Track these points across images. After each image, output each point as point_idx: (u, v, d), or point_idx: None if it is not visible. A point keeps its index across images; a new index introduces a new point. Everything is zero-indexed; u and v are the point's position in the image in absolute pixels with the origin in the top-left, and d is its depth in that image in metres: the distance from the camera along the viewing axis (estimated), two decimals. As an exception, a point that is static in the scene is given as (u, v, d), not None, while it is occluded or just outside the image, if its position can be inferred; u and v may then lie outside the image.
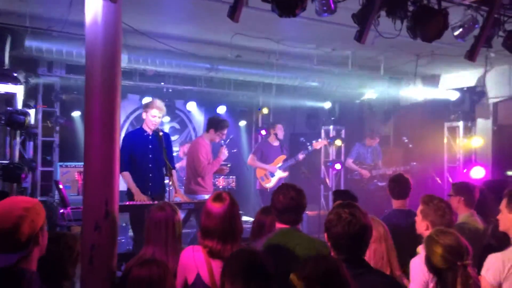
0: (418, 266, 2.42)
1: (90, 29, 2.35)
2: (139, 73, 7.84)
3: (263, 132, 7.35)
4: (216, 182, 7.56)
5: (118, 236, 2.41)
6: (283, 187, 2.82)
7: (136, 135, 5.11)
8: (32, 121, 6.22)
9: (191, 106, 8.71)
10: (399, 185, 3.76)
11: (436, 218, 2.83)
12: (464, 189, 3.53)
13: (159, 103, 5.11)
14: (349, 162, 7.92)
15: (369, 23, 3.21)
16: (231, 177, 7.78)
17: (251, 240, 3.06)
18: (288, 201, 2.71)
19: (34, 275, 1.82)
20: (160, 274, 2.05)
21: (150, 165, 4.94)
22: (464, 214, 3.39)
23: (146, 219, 2.69)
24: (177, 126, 9.20)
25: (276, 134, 6.74)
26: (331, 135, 8.87)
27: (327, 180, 8.73)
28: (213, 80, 8.49)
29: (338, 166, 8.46)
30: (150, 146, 4.98)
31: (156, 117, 4.98)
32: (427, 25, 3.27)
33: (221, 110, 8.95)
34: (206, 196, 5.65)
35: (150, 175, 4.93)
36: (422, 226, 2.82)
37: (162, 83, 8.28)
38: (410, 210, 3.65)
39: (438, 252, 2.09)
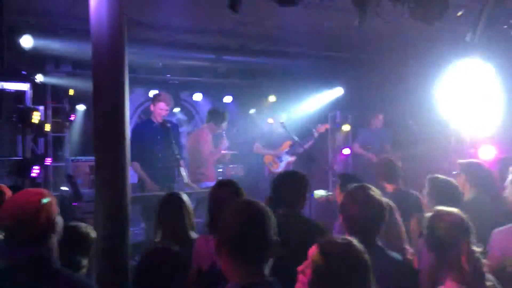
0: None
1: (95, 23, 2.40)
2: (144, 65, 7.90)
3: (270, 120, 7.37)
4: (225, 171, 7.63)
5: (130, 227, 2.47)
6: (279, 175, 2.93)
7: (145, 126, 5.22)
8: (43, 118, 6.36)
9: (197, 97, 8.75)
10: (390, 169, 3.87)
11: (442, 198, 2.86)
12: (469, 167, 3.54)
13: (166, 96, 5.20)
14: (356, 147, 7.87)
15: (365, 8, 3.21)
16: (239, 166, 7.85)
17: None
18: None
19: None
20: (172, 261, 2.11)
21: (159, 155, 5.03)
22: (470, 193, 3.39)
23: (157, 208, 2.76)
24: (184, 117, 9.26)
25: (282, 123, 6.78)
26: (337, 120, 8.87)
27: (335, 167, 8.77)
28: (218, 70, 8.53)
29: (346, 151, 8.48)
30: (158, 137, 5.07)
31: (163, 110, 5.08)
32: (428, 7, 3.27)
33: (228, 100, 8.99)
34: (210, 184, 5.73)
35: (160, 165, 5.02)
36: (429, 207, 2.85)
37: (168, 75, 8.34)
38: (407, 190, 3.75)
39: (442, 229, 2.11)
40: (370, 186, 2.26)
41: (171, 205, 2.70)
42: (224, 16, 5.76)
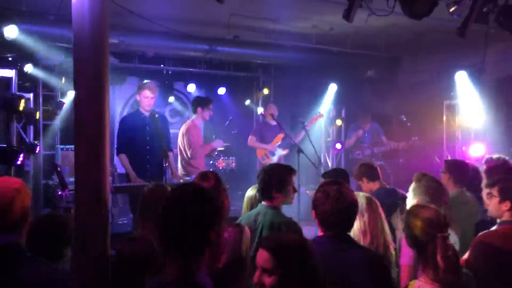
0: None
1: (76, 11, 2.37)
2: (138, 55, 7.85)
3: (260, 109, 7.36)
4: (216, 163, 7.62)
5: (109, 218, 2.46)
6: (268, 167, 2.94)
7: (133, 117, 5.19)
8: (32, 105, 6.32)
9: (191, 88, 8.70)
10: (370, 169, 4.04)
11: (427, 196, 2.87)
12: (453, 166, 3.58)
13: (150, 83, 5.19)
14: (349, 142, 7.94)
15: (356, 1, 3.19)
16: (231, 158, 7.83)
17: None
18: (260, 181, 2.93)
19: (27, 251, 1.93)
20: (146, 251, 2.10)
21: (147, 147, 5.01)
22: (453, 191, 3.42)
23: (139, 199, 2.75)
24: (178, 107, 9.22)
25: (272, 114, 6.77)
26: (331, 115, 8.86)
27: (328, 161, 8.78)
28: (213, 62, 8.48)
29: (338, 145, 8.48)
30: (147, 128, 5.05)
31: (148, 98, 5.05)
32: (416, 2, 3.25)
33: (221, 91, 8.95)
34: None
35: (148, 157, 5.00)
36: (413, 204, 2.85)
37: (162, 65, 8.29)
38: (393, 188, 3.83)
39: (418, 225, 2.13)
40: (342, 182, 2.27)
41: (151, 199, 2.67)
42: (218, 6, 5.84)
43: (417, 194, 2.94)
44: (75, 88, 2.40)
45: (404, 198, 3.15)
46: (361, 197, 2.78)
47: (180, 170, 5.98)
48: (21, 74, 5.25)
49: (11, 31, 4.42)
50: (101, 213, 2.38)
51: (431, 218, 2.14)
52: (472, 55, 7.02)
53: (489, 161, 3.95)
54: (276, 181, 2.95)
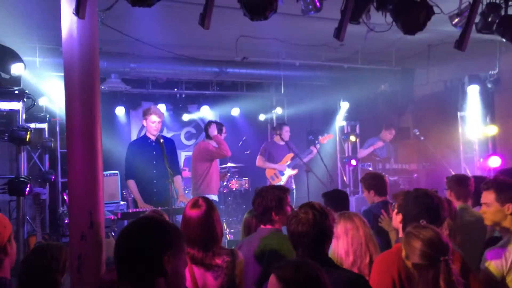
0: None
1: (67, 44, 2.44)
2: (151, 80, 8.03)
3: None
4: (230, 184, 7.61)
5: (104, 245, 2.47)
6: (261, 190, 2.90)
7: (140, 143, 5.26)
8: (46, 135, 6.49)
9: (205, 110, 8.80)
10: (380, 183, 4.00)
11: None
12: (452, 182, 3.49)
13: (155, 108, 5.23)
14: (361, 151, 7.76)
15: (345, 19, 3.17)
16: (244, 178, 7.82)
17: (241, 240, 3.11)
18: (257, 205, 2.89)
19: (9, 281, 1.93)
20: None
21: (154, 172, 5.05)
22: (457, 207, 3.31)
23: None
24: (193, 130, 9.31)
25: (280, 135, 6.75)
26: (345, 131, 8.78)
27: (345, 178, 8.66)
28: (225, 84, 8.58)
29: (354, 162, 8.37)
30: (154, 153, 5.09)
31: (155, 123, 5.10)
32: (408, 18, 3.22)
33: (235, 112, 9.02)
34: (212, 197, 5.74)
35: (155, 181, 5.04)
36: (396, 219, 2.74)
37: (175, 89, 8.44)
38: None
39: (417, 247, 2.04)
40: (315, 204, 2.22)
41: None
42: (227, 30, 5.93)
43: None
44: (66, 120, 2.45)
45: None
46: (345, 216, 2.73)
47: (194, 191, 6.00)
48: (34, 106, 5.41)
49: (18, 69, 4.61)
50: (96, 238, 2.40)
51: (431, 239, 2.04)
52: (486, 65, 6.89)
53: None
54: (274, 202, 2.91)
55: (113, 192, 6.40)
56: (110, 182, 6.36)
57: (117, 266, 1.59)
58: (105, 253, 2.51)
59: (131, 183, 5.01)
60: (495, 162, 6.08)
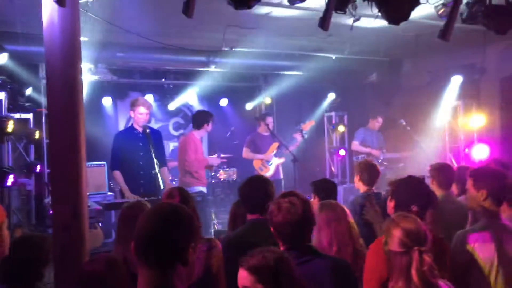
0: None
1: (47, 33, 2.40)
2: (139, 70, 7.96)
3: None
4: (218, 175, 7.61)
5: (87, 235, 2.46)
6: (248, 180, 2.89)
7: (127, 134, 5.23)
8: (32, 125, 6.42)
9: (193, 100, 8.76)
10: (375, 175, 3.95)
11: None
12: (434, 170, 3.55)
13: (143, 99, 5.19)
14: (355, 144, 7.61)
15: (329, 9, 3.17)
16: (232, 169, 7.82)
17: (228, 232, 3.11)
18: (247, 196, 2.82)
19: None
20: (103, 271, 2.07)
21: (141, 163, 5.03)
22: (439, 195, 3.34)
23: (118, 216, 2.73)
24: (181, 121, 9.28)
25: (267, 124, 6.76)
26: (333, 121, 8.81)
27: (333, 168, 8.71)
28: (213, 74, 8.54)
29: (342, 152, 8.42)
30: (140, 144, 5.06)
31: (143, 114, 5.07)
32: (392, 7, 3.22)
33: (223, 102, 8.99)
34: (201, 188, 5.74)
35: (141, 172, 5.01)
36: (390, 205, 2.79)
37: (163, 79, 8.38)
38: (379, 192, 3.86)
39: (396, 235, 2.07)
40: (297, 193, 2.24)
41: (130, 216, 2.60)
42: (214, 19, 5.89)
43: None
44: (48, 108, 2.43)
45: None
46: (328, 206, 2.75)
47: (181, 182, 6.00)
48: (21, 96, 5.34)
49: (1, 58, 4.53)
50: (79, 229, 2.39)
51: (410, 229, 2.08)
52: (472, 56, 6.94)
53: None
54: (267, 192, 2.90)
55: (100, 183, 6.35)
56: (97, 173, 6.32)
57: (142, 250, 1.57)
58: (89, 244, 2.50)
59: (117, 174, 4.99)
60: (481, 151, 6.15)
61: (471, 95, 6.96)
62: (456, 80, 6.96)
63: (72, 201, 2.35)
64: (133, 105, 5.11)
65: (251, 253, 1.81)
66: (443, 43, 6.88)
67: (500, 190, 2.65)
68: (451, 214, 3.15)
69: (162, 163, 5.10)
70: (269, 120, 6.98)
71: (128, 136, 5.16)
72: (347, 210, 2.77)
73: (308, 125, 7.01)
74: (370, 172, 3.99)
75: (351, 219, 2.75)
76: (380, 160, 7.25)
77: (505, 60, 6.82)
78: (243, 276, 1.77)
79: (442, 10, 4.12)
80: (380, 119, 7.60)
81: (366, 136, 7.61)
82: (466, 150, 6.70)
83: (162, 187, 4.57)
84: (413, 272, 1.96)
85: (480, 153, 6.18)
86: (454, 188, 3.77)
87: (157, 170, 4.51)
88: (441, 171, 3.52)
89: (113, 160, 5.07)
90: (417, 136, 7.15)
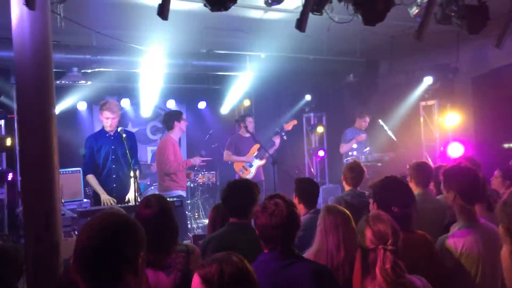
0: None
1: (17, 36, 2.32)
2: (115, 73, 7.82)
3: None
4: (197, 178, 7.54)
5: (61, 245, 2.38)
6: (230, 184, 2.86)
7: (98, 136, 5.10)
8: (3, 132, 6.22)
9: (171, 104, 8.67)
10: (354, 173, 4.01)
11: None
12: (412, 169, 3.58)
13: (110, 104, 5.02)
14: (343, 146, 7.45)
15: (306, 10, 3.17)
16: (211, 172, 7.76)
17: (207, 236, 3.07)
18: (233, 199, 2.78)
19: None
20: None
21: (113, 166, 4.93)
22: (416, 193, 3.37)
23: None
24: (158, 125, 9.17)
25: (246, 127, 6.73)
26: (312, 122, 8.85)
27: (312, 169, 8.73)
28: (191, 76, 8.46)
29: (321, 153, 8.45)
30: (112, 147, 4.96)
31: (110, 118, 4.94)
32: (368, 9, 3.24)
33: (202, 105, 8.92)
34: (180, 192, 5.67)
35: (114, 176, 4.93)
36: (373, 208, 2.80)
37: (140, 83, 8.25)
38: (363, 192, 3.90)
39: (367, 234, 2.12)
40: (282, 195, 2.22)
41: None
42: (192, 21, 5.83)
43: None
44: (18, 114, 2.34)
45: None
46: (334, 210, 2.74)
47: (160, 186, 5.92)
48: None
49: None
50: (52, 240, 2.31)
51: (379, 230, 2.12)
52: (446, 56, 7.06)
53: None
54: (253, 196, 2.87)
55: (76, 189, 6.21)
56: (72, 179, 6.16)
57: (86, 264, 1.45)
58: (64, 253, 2.42)
59: (90, 178, 4.90)
60: (456, 149, 6.25)
61: (445, 95, 7.08)
62: (428, 80, 7.07)
63: (44, 211, 2.26)
64: (100, 109, 5.00)
65: (210, 260, 1.72)
66: (418, 44, 7.00)
67: (469, 189, 2.64)
68: (428, 213, 3.17)
69: (135, 165, 4.98)
70: (249, 120, 6.94)
71: (99, 139, 5.04)
72: (351, 216, 2.76)
73: (291, 125, 6.98)
74: (355, 173, 4.03)
75: (355, 225, 2.74)
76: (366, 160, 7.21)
77: (477, 59, 6.97)
78: (195, 281, 1.69)
79: (416, 11, 4.17)
80: (367, 118, 7.47)
81: (353, 137, 7.43)
82: (442, 148, 6.81)
83: (139, 191, 4.47)
84: (377, 270, 1.99)
85: (455, 151, 6.28)
86: (432, 187, 3.82)
87: (131, 174, 4.40)
88: (419, 169, 3.55)
89: (86, 164, 4.97)
90: (395, 136, 7.24)
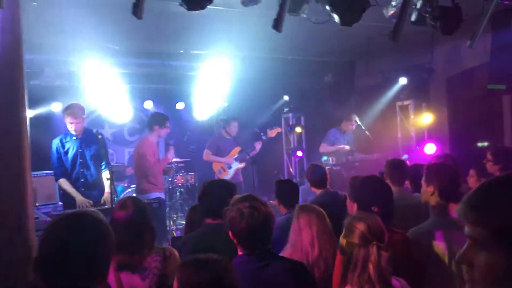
0: None
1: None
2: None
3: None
4: (175, 180, 7.47)
5: (34, 250, 2.32)
6: (209, 184, 2.84)
7: (64, 139, 4.94)
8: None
9: (148, 105, 8.57)
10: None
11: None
12: (388, 167, 3.64)
13: (74, 108, 4.84)
14: (324, 146, 7.36)
15: (283, 11, 3.18)
16: (190, 173, 7.70)
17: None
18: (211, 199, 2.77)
19: None
20: None
21: (81, 170, 4.82)
22: (393, 189, 3.41)
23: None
24: (136, 126, 9.05)
25: (227, 132, 6.71)
26: (290, 122, 8.88)
27: (291, 169, 8.76)
28: (169, 77, 8.38)
29: (299, 153, 8.49)
30: (80, 150, 4.84)
31: (73, 123, 4.78)
32: (344, 9, 3.27)
33: (180, 106, 8.85)
34: (158, 194, 5.60)
35: (82, 180, 4.82)
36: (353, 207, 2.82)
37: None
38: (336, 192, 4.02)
39: (360, 228, 2.10)
40: (255, 196, 2.21)
41: None
42: (169, 22, 5.76)
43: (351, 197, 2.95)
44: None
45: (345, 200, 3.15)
46: (308, 208, 2.75)
47: (138, 189, 5.83)
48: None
49: None
50: (25, 243, 2.25)
51: (372, 225, 2.13)
52: (421, 56, 7.18)
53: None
54: (227, 196, 2.84)
55: (50, 192, 6.06)
56: (46, 182, 6.00)
57: (49, 271, 1.38)
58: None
59: (62, 182, 4.77)
60: (431, 148, 6.38)
61: (421, 95, 7.21)
62: (403, 81, 7.19)
63: (16, 214, 2.20)
64: (64, 112, 4.86)
65: (189, 262, 1.70)
66: (394, 45, 7.10)
67: (447, 185, 2.69)
68: (404, 211, 3.22)
69: (106, 167, 4.87)
70: (234, 125, 6.90)
71: (65, 142, 4.90)
72: (325, 213, 2.77)
73: (274, 132, 6.97)
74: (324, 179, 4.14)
75: (329, 222, 2.75)
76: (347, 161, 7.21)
77: (451, 60, 7.11)
78: (175, 285, 1.68)
79: (392, 12, 4.22)
80: (354, 123, 7.31)
81: (336, 139, 7.38)
82: (417, 147, 6.93)
83: (116, 193, 4.39)
84: (371, 266, 1.99)
85: (431, 150, 6.41)
86: (408, 185, 3.87)
87: (105, 176, 4.31)
88: (395, 167, 3.60)
89: (55, 169, 4.84)
90: (372, 136, 7.32)
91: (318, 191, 4.11)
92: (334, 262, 2.65)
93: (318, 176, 4.14)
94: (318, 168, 4.18)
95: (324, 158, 7.31)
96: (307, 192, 7.53)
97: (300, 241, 2.68)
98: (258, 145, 6.72)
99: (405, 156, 6.74)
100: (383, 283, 1.96)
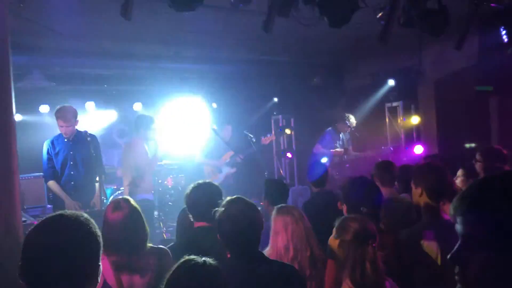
0: None
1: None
2: (79, 76, 7.61)
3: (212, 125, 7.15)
4: (165, 182, 7.43)
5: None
6: (196, 187, 2.82)
7: (55, 141, 4.89)
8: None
9: (138, 107, 8.52)
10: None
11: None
12: (377, 168, 3.65)
13: (65, 112, 4.79)
14: (319, 147, 7.35)
15: (272, 13, 3.19)
16: (180, 175, 7.67)
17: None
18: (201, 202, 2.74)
19: None
20: None
21: (71, 173, 4.77)
22: (383, 191, 3.43)
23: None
24: (125, 128, 8.98)
25: (217, 134, 6.69)
26: (280, 124, 8.89)
27: (281, 171, 8.77)
28: (158, 78, 8.34)
29: (289, 154, 8.51)
30: (71, 153, 4.79)
31: (64, 127, 4.74)
32: (333, 11, 3.29)
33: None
34: (146, 196, 5.57)
35: (72, 183, 4.77)
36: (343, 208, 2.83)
37: (105, 85, 8.06)
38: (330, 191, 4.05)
39: (354, 226, 2.11)
40: (244, 198, 2.21)
41: None
42: (159, 24, 5.73)
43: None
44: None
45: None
46: (284, 210, 2.74)
47: (126, 191, 5.77)
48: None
49: None
50: (12, 247, 2.22)
51: (366, 225, 2.15)
52: (410, 58, 7.25)
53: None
54: (215, 199, 2.83)
55: (39, 195, 5.98)
56: (35, 185, 5.93)
57: (32, 276, 1.33)
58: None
59: (52, 184, 4.72)
60: (419, 149, 6.45)
61: (409, 96, 7.27)
62: (391, 83, 7.25)
63: (4, 217, 2.17)
64: (55, 116, 4.80)
65: (178, 266, 1.68)
66: (383, 47, 7.14)
67: (436, 186, 2.68)
68: (393, 211, 3.23)
69: (99, 170, 4.84)
70: (227, 128, 6.89)
71: (56, 144, 4.85)
72: (303, 214, 2.77)
73: (268, 140, 6.95)
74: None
75: (308, 223, 2.74)
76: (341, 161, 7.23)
77: (439, 62, 7.19)
78: None
79: (380, 14, 4.26)
80: (348, 123, 7.30)
81: (331, 140, 7.38)
82: (406, 148, 7.00)
83: (105, 196, 4.36)
84: (368, 265, 1.99)
85: (419, 151, 6.48)
86: (397, 186, 3.90)
87: (100, 180, 4.28)
88: (384, 169, 3.62)
89: (45, 171, 4.79)
90: (361, 137, 7.37)
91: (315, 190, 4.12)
92: (316, 264, 2.66)
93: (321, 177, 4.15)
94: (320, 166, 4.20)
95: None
96: (297, 193, 7.58)
97: (276, 244, 2.69)
98: (266, 141, 6.70)
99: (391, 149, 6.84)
100: (379, 282, 1.98)
